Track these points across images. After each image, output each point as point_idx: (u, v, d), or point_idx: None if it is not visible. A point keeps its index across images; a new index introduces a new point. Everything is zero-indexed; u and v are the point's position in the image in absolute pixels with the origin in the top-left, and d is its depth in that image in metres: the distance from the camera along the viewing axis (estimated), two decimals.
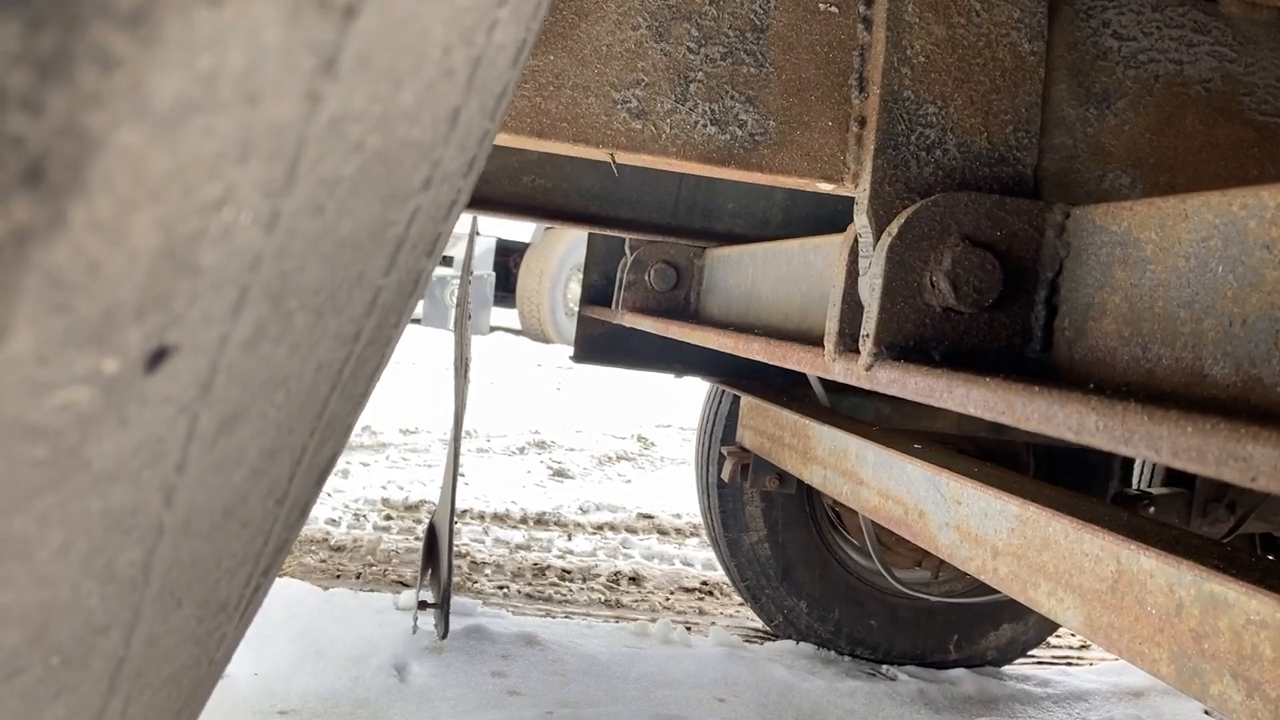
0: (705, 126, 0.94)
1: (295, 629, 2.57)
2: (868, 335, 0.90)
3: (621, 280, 2.17)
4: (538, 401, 7.63)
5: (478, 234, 2.76)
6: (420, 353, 9.88)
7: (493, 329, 14.64)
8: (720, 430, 3.13)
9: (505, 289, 16.14)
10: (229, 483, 0.35)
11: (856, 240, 0.97)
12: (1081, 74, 0.98)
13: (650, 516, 4.50)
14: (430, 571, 2.62)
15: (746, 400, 2.62)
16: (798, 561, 3.10)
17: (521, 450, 5.68)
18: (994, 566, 1.58)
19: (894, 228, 0.89)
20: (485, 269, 14.66)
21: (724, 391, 3.12)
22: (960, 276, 0.87)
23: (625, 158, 0.94)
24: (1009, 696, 2.95)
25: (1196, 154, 1.01)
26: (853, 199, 0.97)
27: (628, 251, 2.19)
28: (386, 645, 2.55)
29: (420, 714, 2.25)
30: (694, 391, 5.04)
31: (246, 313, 0.28)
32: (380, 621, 2.72)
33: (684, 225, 2.13)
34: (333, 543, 3.53)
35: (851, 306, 0.97)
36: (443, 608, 2.50)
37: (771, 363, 1.18)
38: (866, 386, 0.91)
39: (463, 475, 4.83)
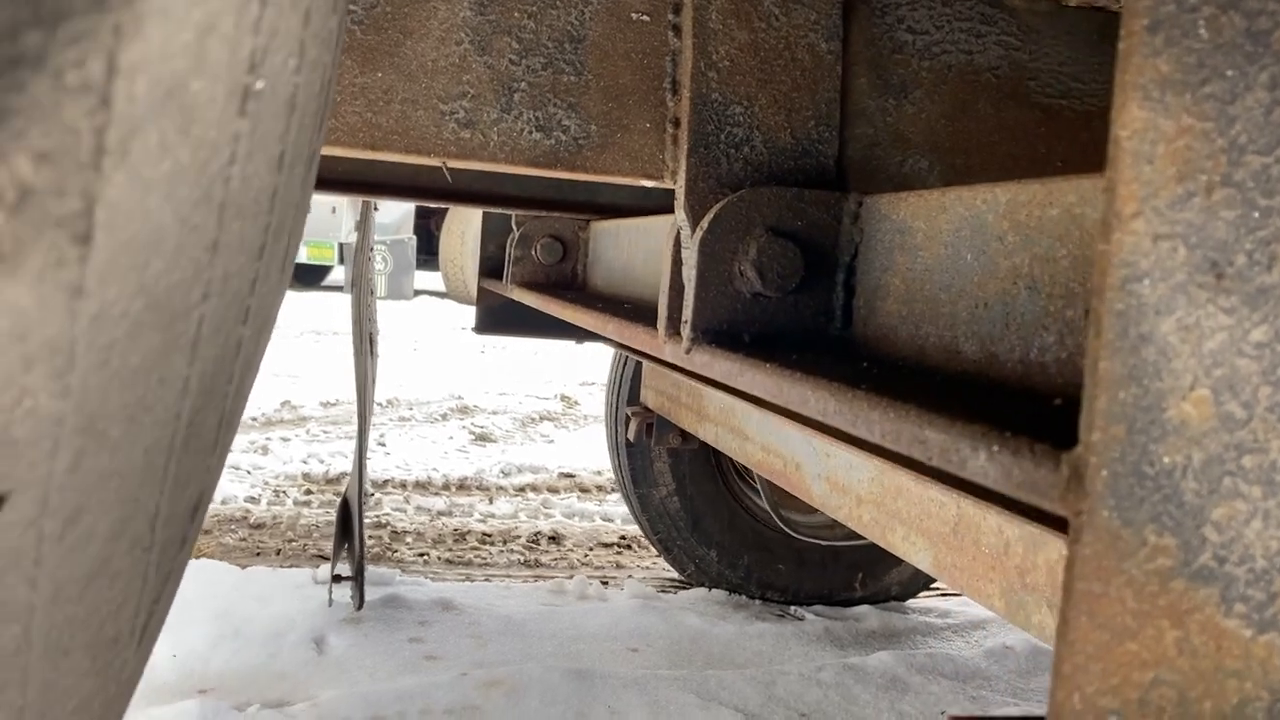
0: (531, 133, 1.01)
1: (213, 609, 2.62)
2: (686, 321, 0.98)
3: (509, 255, 2.23)
4: (461, 365, 7.66)
5: (376, 208, 2.79)
6: (344, 321, 9.80)
7: (417, 293, 14.56)
8: (626, 391, 3.21)
9: (428, 252, 16.00)
10: (86, 557, 0.42)
11: (679, 232, 1.05)
12: (880, 67, 1.07)
13: (572, 475, 4.59)
14: (345, 546, 2.68)
15: (646, 362, 2.71)
16: (706, 512, 3.21)
17: (444, 416, 5.73)
18: (859, 514, 1.69)
19: (705, 222, 0.97)
20: (406, 233, 14.55)
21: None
22: (765, 265, 0.96)
23: (456, 164, 1.01)
24: (911, 629, 3.11)
25: (989, 136, 1.10)
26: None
27: (514, 227, 2.24)
28: (305, 619, 2.62)
29: (338, 683, 2.33)
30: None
31: (63, 451, 0.36)
32: (299, 596, 2.78)
33: (568, 199, 2.19)
34: (252, 520, 3.57)
35: (677, 293, 1.05)
36: (357, 580, 2.56)
37: (621, 342, 1.26)
38: (689, 368, 1.00)
39: (384, 445, 4.87)
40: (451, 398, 6.18)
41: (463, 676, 2.33)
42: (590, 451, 4.94)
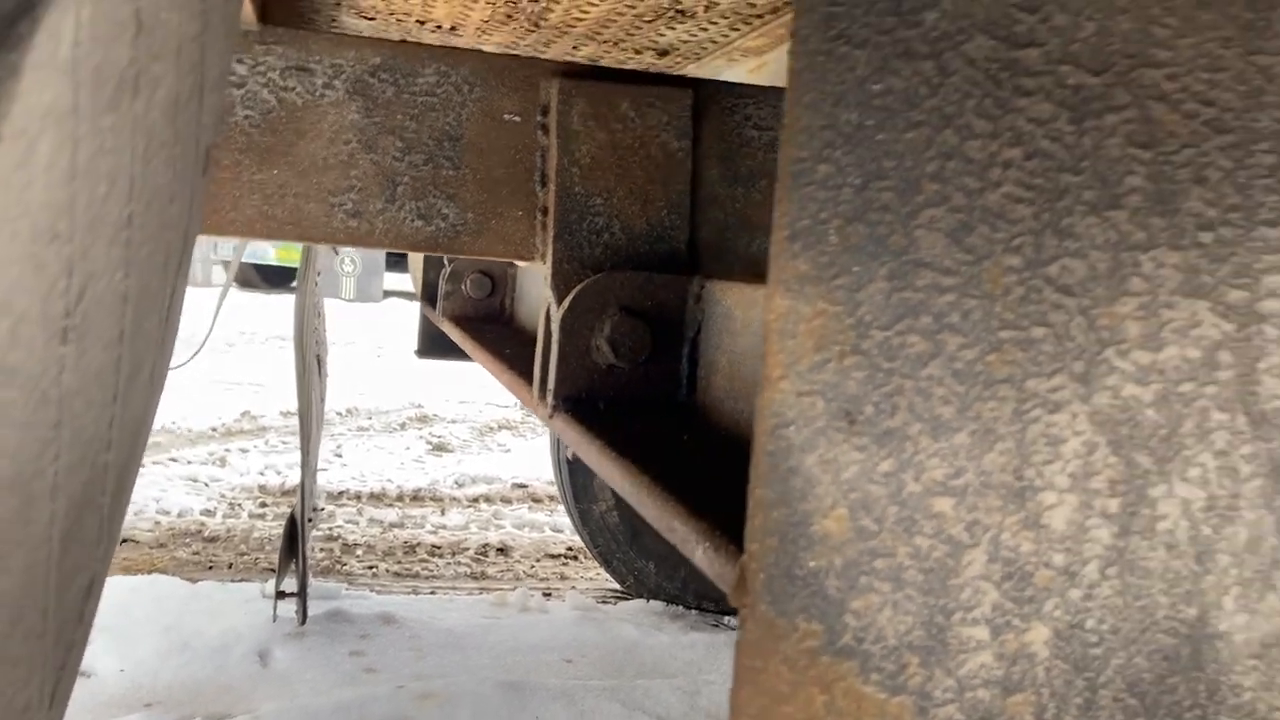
0: (413, 220, 1.13)
1: (162, 623, 2.72)
2: (550, 389, 1.11)
3: (440, 289, 2.35)
4: (424, 372, 7.74)
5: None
6: None
7: (387, 294, 14.61)
8: None
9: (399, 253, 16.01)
10: None
11: (549, 306, 1.17)
12: (729, 160, 1.20)
13: (525, 485, 4.71)
14: (291, 562, 2.79)
15: None
16: (645, 527, 3.34)
17: (403, 426, 5.83)
18: None
19: (566, 302, 1.09)
20: None
21: None
22: (618, 340, 1.09)
23: (346, 247, 1.13)
24: None
25: None
26: None
27: (445, 262, 2.36)
28: (251, 633, 2.73)
29: (280, 696, 2.44)
30: None
31: None
32: (247, 610, 2.89)
33: None
34: (206, 534, 3.67)
35: (547, 361, 1.17)
36: (301, 595, 2.68)
37: (510, 394, 1.39)
38: (553, 431, 1.12)
39: (340, 456, 4.97)
40: (411, 406, 6.28)
41: (399, 689, 2.45)
42: (545, 461, 5.05)
